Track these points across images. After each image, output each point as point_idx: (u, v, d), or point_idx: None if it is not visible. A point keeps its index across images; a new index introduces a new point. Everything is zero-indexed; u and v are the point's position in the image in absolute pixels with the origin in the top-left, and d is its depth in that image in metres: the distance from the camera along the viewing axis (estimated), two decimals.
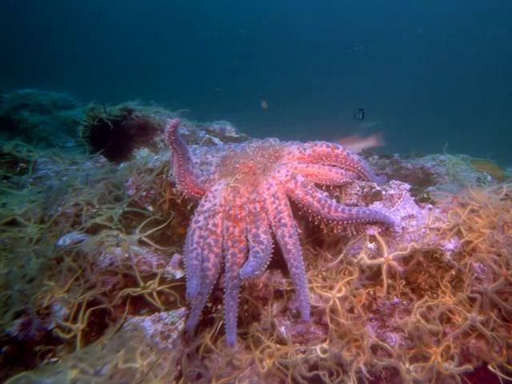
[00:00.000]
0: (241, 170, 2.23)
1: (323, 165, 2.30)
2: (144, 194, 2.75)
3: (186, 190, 2.25)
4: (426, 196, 2.23)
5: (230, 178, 2.22)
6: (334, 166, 2.32)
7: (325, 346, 1.93)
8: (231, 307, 1.98)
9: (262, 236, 1.98)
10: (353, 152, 2.36)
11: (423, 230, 2.01)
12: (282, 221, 2.02)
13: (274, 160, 2.30)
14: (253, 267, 1.78)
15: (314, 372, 1.88)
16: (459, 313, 1.82)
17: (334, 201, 2.09)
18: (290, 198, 2.14)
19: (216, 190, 2.21)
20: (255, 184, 2.16)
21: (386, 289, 1.92)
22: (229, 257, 2.01)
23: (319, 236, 2.29)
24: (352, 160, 2.32)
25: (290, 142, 2.58)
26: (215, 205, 2.14)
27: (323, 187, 2.28)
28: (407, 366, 1.80)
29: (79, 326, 1.97)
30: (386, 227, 2.09)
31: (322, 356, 1.89)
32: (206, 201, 2.20)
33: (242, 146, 2.54)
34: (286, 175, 2.15)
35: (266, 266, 1.91)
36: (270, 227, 2.05)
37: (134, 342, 1.83)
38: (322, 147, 2.32)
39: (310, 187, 2.10)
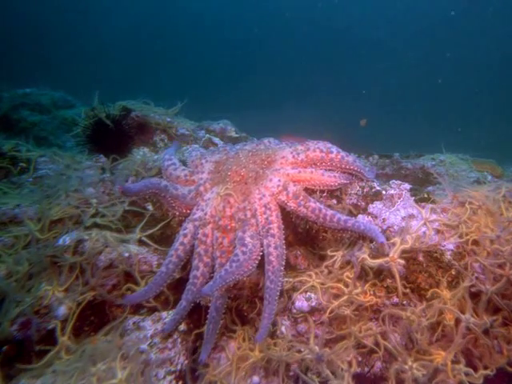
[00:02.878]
0: (232, 179, 2.20)
1: (317, 169, 2.24)
2: None
3: (177, 213, 2.27)
4: (426, 196, 2.23)
5: (222, 185, 2.19)
6: (329, 169, 2.26)
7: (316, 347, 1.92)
8: (213, 319, 1.95)
9: (247, 239, 1.94)
10: (347, 154, 2.31)
11: (423, 229, 2.01)
12: (271, 231, 1.99)
13: (266, 165, 2.26)
14: (219, 279, 1.75)
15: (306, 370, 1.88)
16: (452, 313, 1.81)
17: (330, 208, 2.05)
18: (283, 209, 2.12)
19: (208, 199, 2.18)
20: (247, 193, 2.13)
21: (395, 289, 1.94)
22: (217, 266, 2.00)
23: (320, 235, 2.29)
24: (347, 162, 2.27)
25: (285, 144, 2.53)
26: (206, 214, 2.12)
27: (317, 192, 2.25)
28: (408, 365, 1.79)
29: (65, 339, 1.95)
30: (386, 228, 2.09)
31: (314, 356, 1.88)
32: (197, 209, 2.18)
33: (237, 148, 2.50)
34: (278, 185, 2.11)
35: (248, 269, 1.86)
36: (258, 233, 2.01)
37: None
38: (315, 152, 2.25)
39: (301, 198, 2.06)
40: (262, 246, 1.98)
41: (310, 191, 2.23)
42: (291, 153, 2.29)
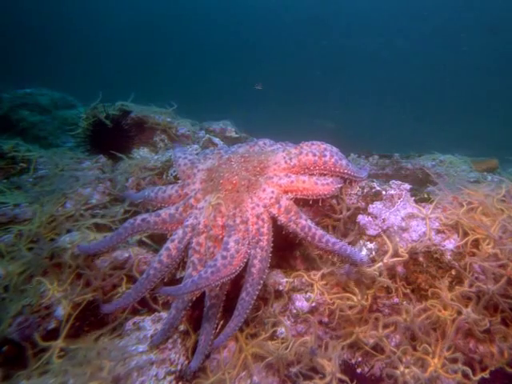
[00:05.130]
0: (224, 187, 2.15)
1: (311, 175, 2.19)
2: None
3: (172, 231, 2.19)
4: (426, 196, 2.24)
5: (214, 193, 2.15)
6: (322, 174, 2.21)
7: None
8: (204, 329, 1.93)
9: (231, 244, 1.90)
10: (340, 157, 2.26)
11: (423, 229, 2.01)
12: (260, 243, 1.96)
13: (259, 172, 2.20)
14: (190, 283, 1.72)
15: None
16: (453, 307, 1.82)
17: (320, 228, 1.99)
18: (274, 221, 2.08)
19: (202, 208, 2.15)
20: (238, 201, 2.08)
21: (395, 290, 1.94)
22: None
23: None
24: (341, 166, 2.22)
25: (279, 145, 2.49)
26: (199, 224, 2.08)
27: (310, 201, 2.20)
28: (400, 370, 1.78)
29: (59, 342, 1.94)
30: (386, 228, 2.10)
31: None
32: (190, 216, 2.14)
33: (232, 150, 2.45)
34: (271, 197, 2.06)
35: (226, 274, 1.82)
36: (245, 239, 1.96)
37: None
38: (307, 156, 2.20)
39: (293, 213, 2.01)
40: (248, 254, 1.94)
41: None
42: (284, 158, 2.23)
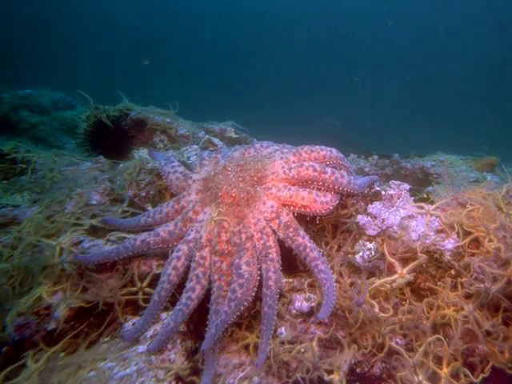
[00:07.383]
0: (224, 200, 2.10)
1: (310, 189, 2.14)
2: (143, 194, 2.76)
3: (173, 247, 2.16)
4: (425, 196, 2.23)
5: (213, 205, 2.12)
6: (319, 189, 2.16)
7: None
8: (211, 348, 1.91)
9: (244, 268, 1.90)
10: (342, 175, 2.17)
11: (422, 229, 2.01)
12: (270, 256, 1.97)
13: (257, 181, 2.16)
14: (220, 324, 1.76)
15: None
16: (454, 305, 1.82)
17: (315, 247, 2.00)
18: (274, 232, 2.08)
19: (202, 220, 2.11)
20: (241, 216, 2.06)
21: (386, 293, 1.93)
22: (214, 289, 1.96)
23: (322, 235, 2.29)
24: (340, 184, 2.14)
25: (276, 146, 2.45)
26: (202, 238, 2.05)
27: (308, 218, 2.20)
28: (418, 379, 1.78)
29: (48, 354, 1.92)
30: (386, 228, 2.09)
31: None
32: (191, 230, 2.11)
33: (229, 154, 2.41)
34: (272, 212, 2.05)
35: (247, 301, 1.85)
36: (254, 257, 1.96)
37: None
38: (307, 170, 2.14)
39: (291, 229, 2.01)
40: (259, 270, 1.96)
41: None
42: (282, 167, 2.19)
